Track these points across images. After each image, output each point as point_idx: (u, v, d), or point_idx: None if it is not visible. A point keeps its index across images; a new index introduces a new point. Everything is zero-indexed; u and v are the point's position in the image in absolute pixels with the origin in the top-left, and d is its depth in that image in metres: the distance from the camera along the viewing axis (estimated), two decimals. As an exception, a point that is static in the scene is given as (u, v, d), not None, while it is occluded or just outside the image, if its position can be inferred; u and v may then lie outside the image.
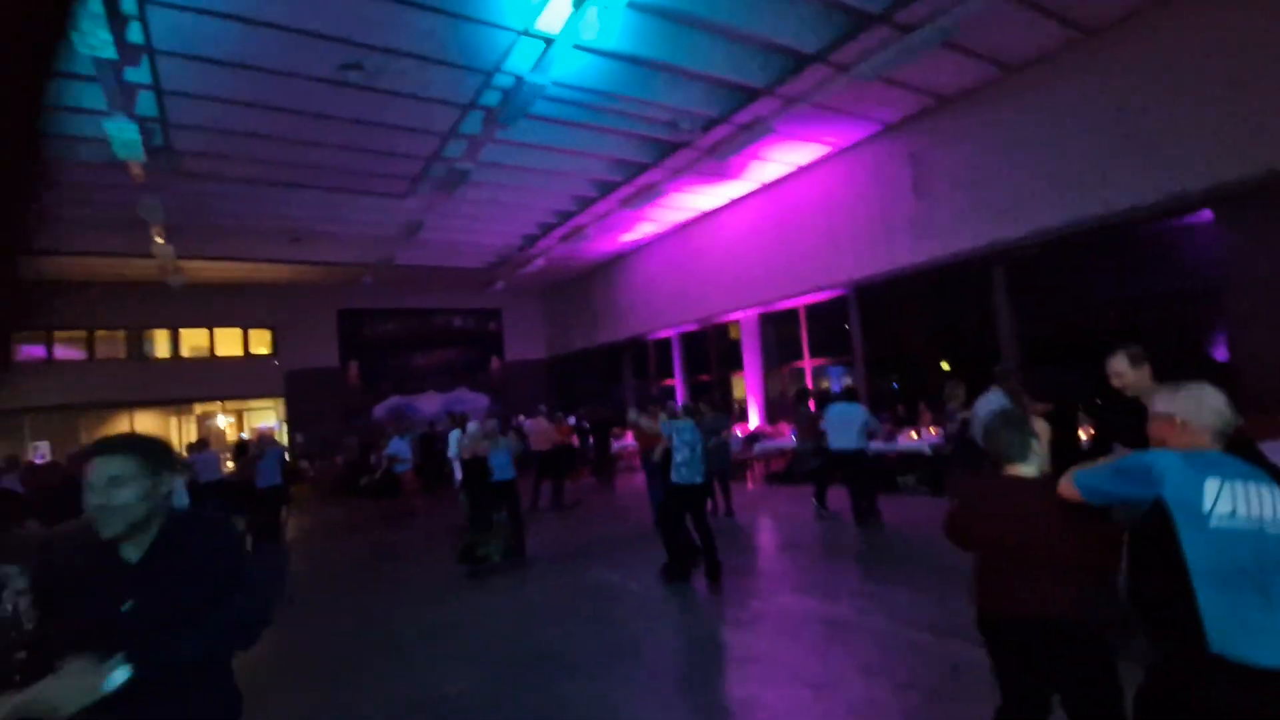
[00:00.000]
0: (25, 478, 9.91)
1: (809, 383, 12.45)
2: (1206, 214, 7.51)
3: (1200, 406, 1.96)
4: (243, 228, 12.19)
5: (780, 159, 11.27)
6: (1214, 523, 1.78)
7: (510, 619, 5.38)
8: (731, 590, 5.63)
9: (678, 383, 15.36)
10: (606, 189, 11.93)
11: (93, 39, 5.74)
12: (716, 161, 10.63)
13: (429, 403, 17.84)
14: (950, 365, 10.19)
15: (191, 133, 8.57)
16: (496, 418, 16.67)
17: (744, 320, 13.39)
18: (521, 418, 13.23)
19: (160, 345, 16.22)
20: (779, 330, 13.28)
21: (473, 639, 4.97)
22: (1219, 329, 7.74)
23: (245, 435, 18.39)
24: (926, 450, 8.77)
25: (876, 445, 8.95)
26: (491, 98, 8.22)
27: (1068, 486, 2.12)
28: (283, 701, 4.07)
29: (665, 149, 10.39)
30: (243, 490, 8.96)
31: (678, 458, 5.97)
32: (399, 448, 10.96)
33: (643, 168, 11.03)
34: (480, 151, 9.74)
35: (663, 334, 15.67)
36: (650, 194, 11.85)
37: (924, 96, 9.24)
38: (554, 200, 12.51)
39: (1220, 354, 7.80)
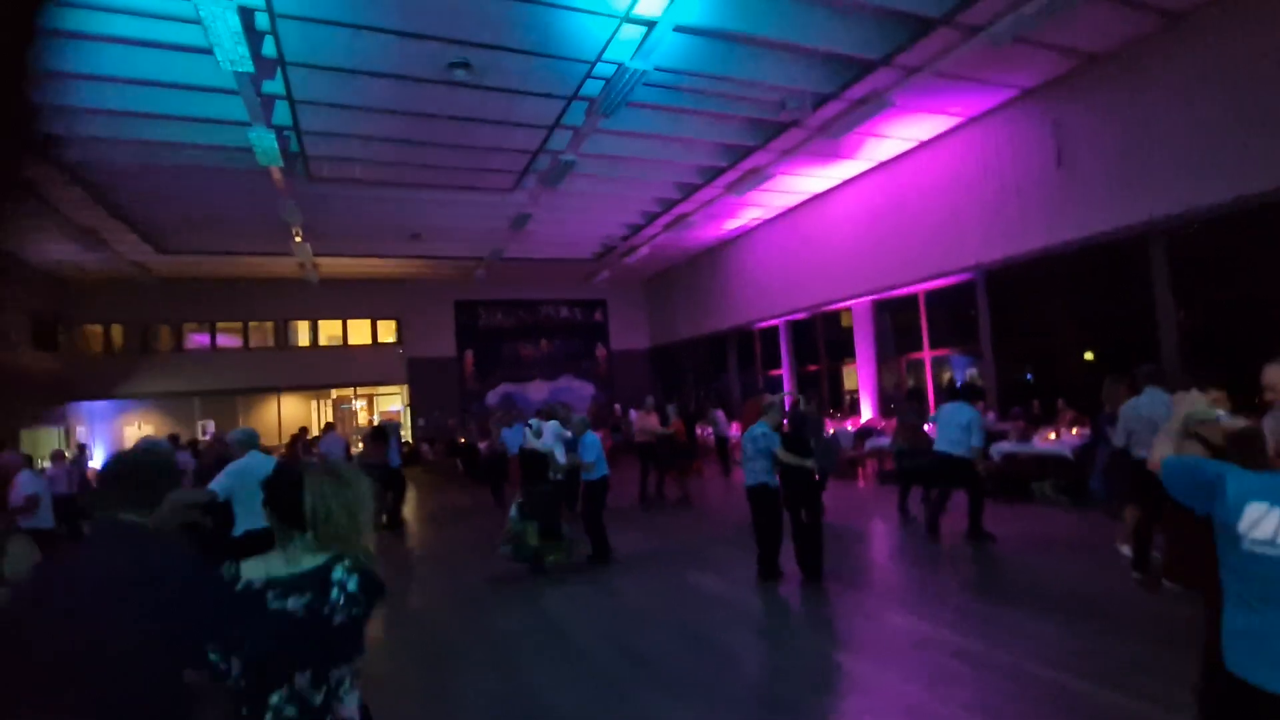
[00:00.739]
0: (194, 453, 11.23)
1: (928, 375, 11.59)
2: None
3: None
4: (368, 226, 13.03)
5: (899, 135, 10.46)
6: (1246, 546, 1.74)
7: (597, 625, 5.17)
8: (833, 603, 5.27)
9: (785, 373, 14.83)
10: (711, 175, 11.63)
11: (233, 54, 6.22)
12: (828, 141, 10.04)
13: (537, 391, 18.40)
14: (1094, 357, 9.07)
15: (320, 139, 9.19)
16: (600, 406, 16.99)
17: (856, 308, 12.66)
18: (628, 409, 13.27)
19: (302, 335, 17.80)
20: (895, 319, 12.45)
21: (563, 643, 4.91)
22: None
23: (377, 419, 19.91)
24: (1067, 453, 7.82)
25: (1005, 446, 8.14)
26: (594, 87, 8.17)
27: (1156, 461, 1.99)
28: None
29: (773, 130, 9.94)
30: (377, 470, 9.58)
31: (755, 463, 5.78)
32: (508, 437, 11.32)
33: (748, 151, 10.62)
34: (583, 142, 9.75)
35: (769, 323, 15.17)
36: (757, 178, 11.41)
37: (1069, 57, 8.20)
38: (658, 188, 12.37)
39: None
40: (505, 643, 4.91)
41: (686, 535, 8.10)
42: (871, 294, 12.15)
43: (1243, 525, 1.74)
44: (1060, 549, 6.15)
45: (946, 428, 6.76)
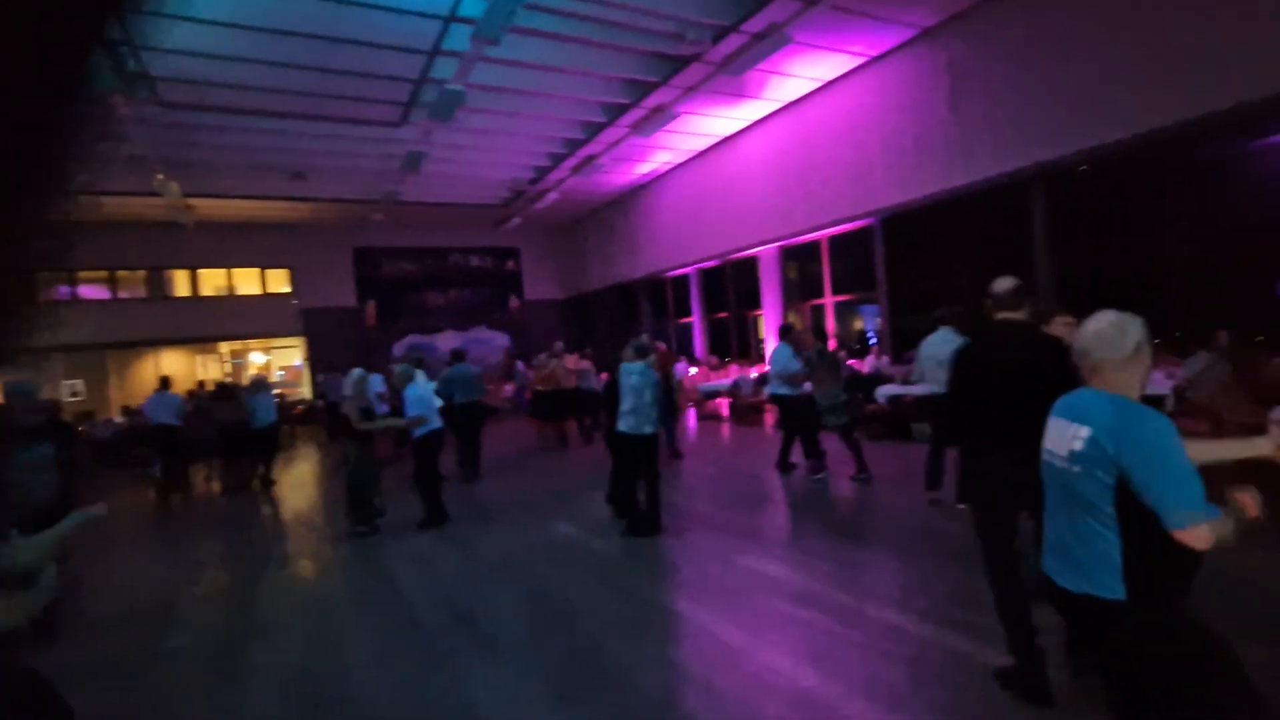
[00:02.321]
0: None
1: (830, 321, 11.75)
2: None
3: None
4: (241, 163, 11.85)
5: (803, 74, 10.25)
6: (1045, 457, 1.97)
7: (436, 583, 4.91)
8: (690, 549, 5.20)
9: (696, 321, 14.78)
10: (615, 113, 11.13)
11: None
12: (732, 78, 9.71)
13: (447, 342, 17.66)
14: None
15: (165, 58, 8.10)
16: (513, 358, 16.51)
17: (763, 255, 12.62)
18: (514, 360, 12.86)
19: (180, 285, 16.31)
20: (801, 266, 12.50)
21: (390, 607, 4.67)
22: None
23: (281, 375, 18.71)
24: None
25: (889, 390, 8.35)
26: (473, 7, 7.49)
27: None
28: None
29: (674, 64, 9.52)
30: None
31: (624, 405, 5.49)
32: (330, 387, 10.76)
33: (651, 87, 10.17)
34: (471, 72, 9.05)
35: (681, 271, 15.00)
36: (662, 117, 10.99)
37: (965, -6, 8.14)
38: (561, 127, 11.78)
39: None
40: (328, 611, 4.59)
41: (568, 482, 7.98)
42: (779, 241, 12.11)
43: (1046, 440, 1.94)
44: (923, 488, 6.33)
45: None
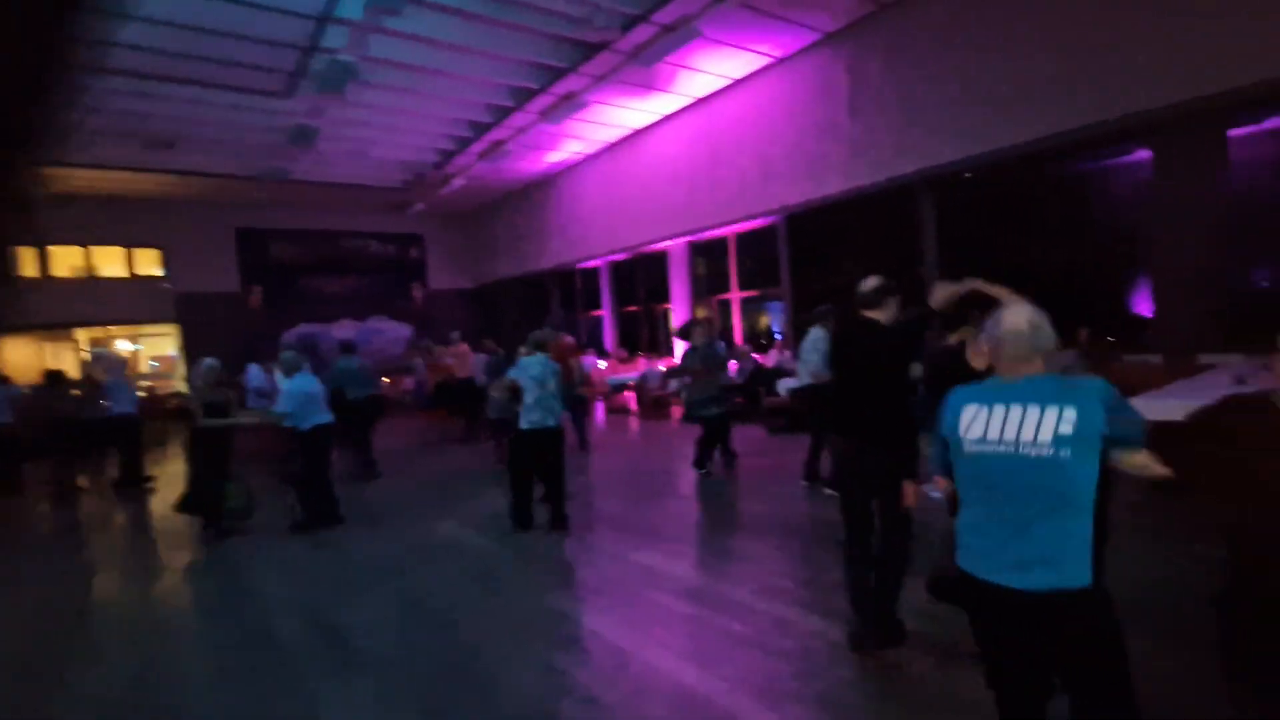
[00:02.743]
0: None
1: (736, 316, 11.92)
2: (1144, 154, 7.07)
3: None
4: (93, 127, 10.57)
5: (712, 70, 10.28)
6: (965, 447, 1.87)
7: (302, 593, 4.48)
8: (583, 547, 5.07)
9: (605, 314, 14.63)
10: (523, 97, 10.77)
11: None
12: (641, 68, 9.58)
13: (343, 331, 16.62)
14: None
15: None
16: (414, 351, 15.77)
17: (672, 249, 12.64)
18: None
19: (26, 264, 14.46)
20: (709, 262, 12.61)
21: (247, 621, 4.29)
22: (1144, 275, 7.44)
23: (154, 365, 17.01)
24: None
25: (791, 383, 8.53)
26: (364, -29, 6.98)
27: None
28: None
29: (583, 51, 9.29)
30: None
31: (526, 399, 5.30)
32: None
33: (560, 73, 9.90)
34: (366, 43, 8.47)
35: (591, 263, 14.79)
36: (571, 105, 10.74)
37: (865, 2, 8.38)
38: (465, 109, 11.29)
39: (1142, 298, 7.53)
40: (169, 628, 4.12)
41: (464, 478, 7.66)
42: (687, 235, 12.14)
43: (960, 429, 1.88)
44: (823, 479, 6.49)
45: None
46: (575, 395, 6.09)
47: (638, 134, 12.86)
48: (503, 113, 11.35)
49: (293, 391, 5.64)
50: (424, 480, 7.83)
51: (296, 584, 4.69)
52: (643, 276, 13.86)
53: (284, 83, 9.57)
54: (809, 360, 5.92)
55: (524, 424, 5.32)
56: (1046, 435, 1.71)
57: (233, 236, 16.20)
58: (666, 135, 12.23)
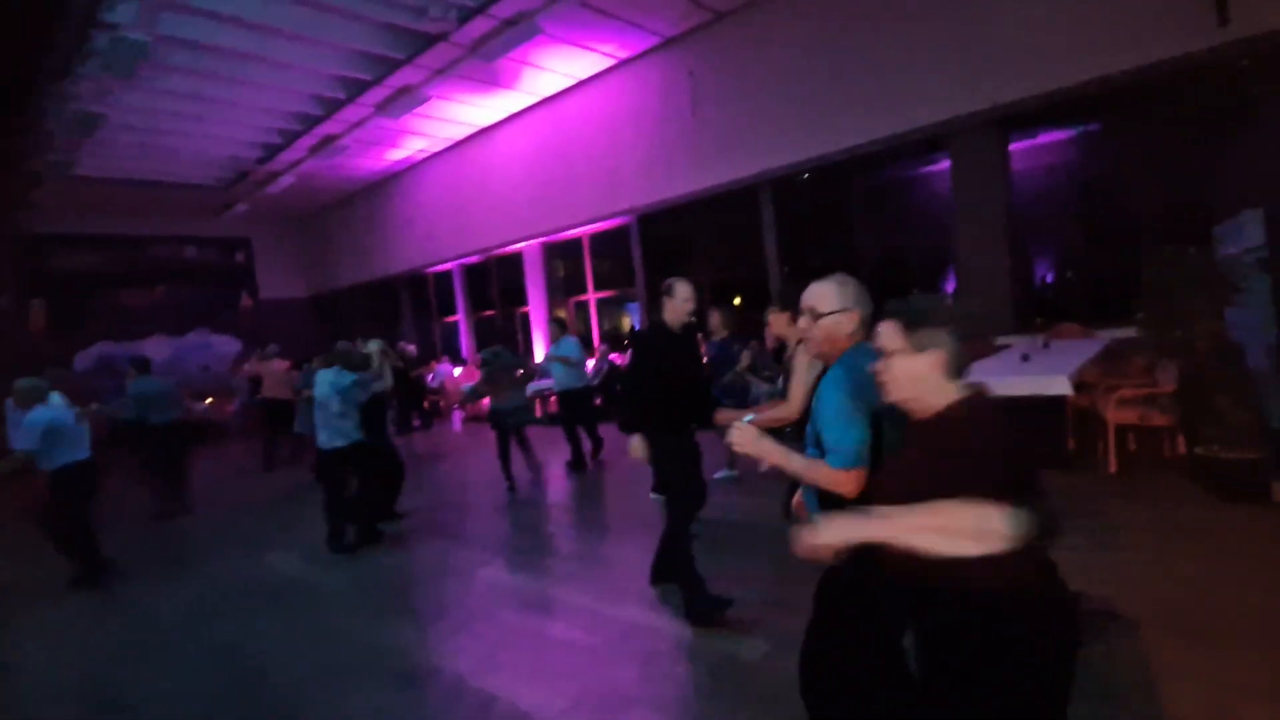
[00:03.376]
0: None
1: (593, 317, 11.88)
2: (948, 163, 7.89)
3: None
4: None
5: (558, 69, 10.15)
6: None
7: (77, 662, 3.81)
8: (430, 563, 4.77)
9: (461, 319, 14.02)
10: (355, 90, 10.02)
11: None
12: (483, 63, 9.24)
13: (157, 349, 14.65)
14: (722, 298, 10.10)
15: None
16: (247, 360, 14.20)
17: (527, 251, 12.36)
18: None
19: None
20: (566, 262, 12.46)
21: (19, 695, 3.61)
22: (949, 263, 8.29)
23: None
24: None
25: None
26: (146, -64, 6.11)
27: None
28: None
29: (419, 42, 8.80)
30: None
31: (316, 416, 5.16)
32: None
33: (395, 64, 9.31)
34: (159, 20, 7.47)
35: (443, 266, 14.12)
36: (410, 99, 10.14)
37: (700, 9, 8.63)
38: (290, 100, 10.31)
39: (951, 288, 8.39)
40: None
41: (292, 506, 6.98)
42: (541, 236, 11.92)
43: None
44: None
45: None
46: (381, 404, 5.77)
47: (486, 132, 12.44)
48: (333, 105, 10.50)
49: (30, 425, 4.75)
50: (244, 509, 7.01)
51: (70, 654, 3.94)
52: (498, 279, 13.43)
53: (58, 61, 8.19)
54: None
55: (318, 441, 5.17)
56: None
57: (3, 244, 13.68)
58: (516, 134, 11.94)
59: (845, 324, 1.84)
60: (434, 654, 3.41)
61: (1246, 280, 4.17)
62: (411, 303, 15.34)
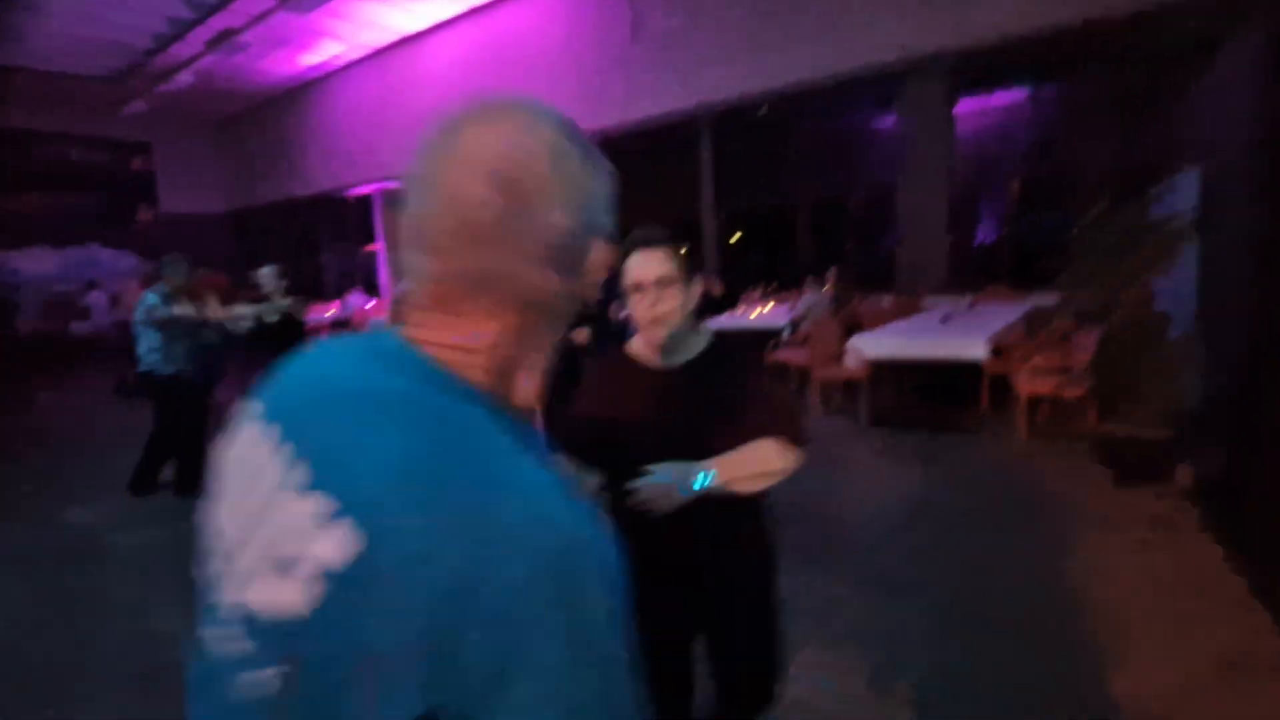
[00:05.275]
0: None
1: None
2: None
3: None
4: None
5: (486, -29, 9.13)
6: None
7: None
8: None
9: (379, 249, 13.09)
10: (253, -26, 8.81)
11: None
12: (399, -44, 8.19)
13: (37, 263, 13.24)
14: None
15: None
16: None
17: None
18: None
19: None
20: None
21: None
22: (892, 220, 7.91)
23: None
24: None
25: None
26: None
27: None
28: None
29: (322, -77, 7.68)
30: None
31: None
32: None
33: (297, -52, 8.16)
34: None
35: (362, 189, 13.04)
36: (318, -8, 8.99)
37: (644, -88, 7.76)
38: (175, -21, 9.01)
39: (892, 244, 8.03)
40: None
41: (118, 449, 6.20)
42: (468, 162, 11.01)
43: None
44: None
45: None
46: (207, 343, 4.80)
47: (410, 41, 11.28)
48: (230, -8, 9.25)
49: None
50: (70, 451, 6.23)
51: None
52: (423, 207, 12.49)
53: None
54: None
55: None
56: None
57: None
58: (444, 45, 10.84)
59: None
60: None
61: (1176, 245, 3.86)
62: (330, 229, 14.24)
